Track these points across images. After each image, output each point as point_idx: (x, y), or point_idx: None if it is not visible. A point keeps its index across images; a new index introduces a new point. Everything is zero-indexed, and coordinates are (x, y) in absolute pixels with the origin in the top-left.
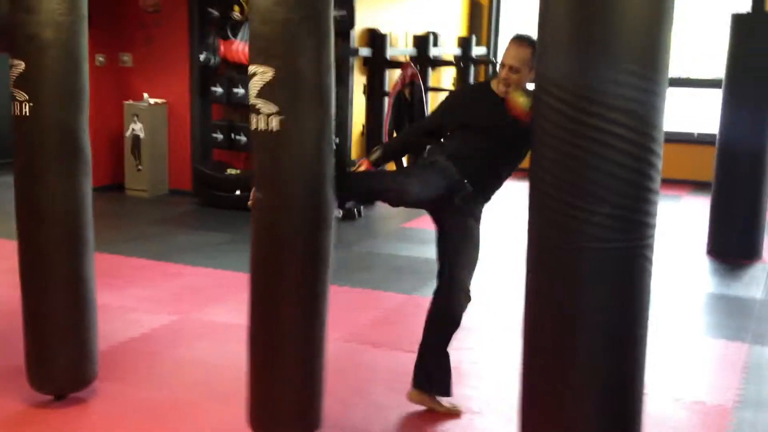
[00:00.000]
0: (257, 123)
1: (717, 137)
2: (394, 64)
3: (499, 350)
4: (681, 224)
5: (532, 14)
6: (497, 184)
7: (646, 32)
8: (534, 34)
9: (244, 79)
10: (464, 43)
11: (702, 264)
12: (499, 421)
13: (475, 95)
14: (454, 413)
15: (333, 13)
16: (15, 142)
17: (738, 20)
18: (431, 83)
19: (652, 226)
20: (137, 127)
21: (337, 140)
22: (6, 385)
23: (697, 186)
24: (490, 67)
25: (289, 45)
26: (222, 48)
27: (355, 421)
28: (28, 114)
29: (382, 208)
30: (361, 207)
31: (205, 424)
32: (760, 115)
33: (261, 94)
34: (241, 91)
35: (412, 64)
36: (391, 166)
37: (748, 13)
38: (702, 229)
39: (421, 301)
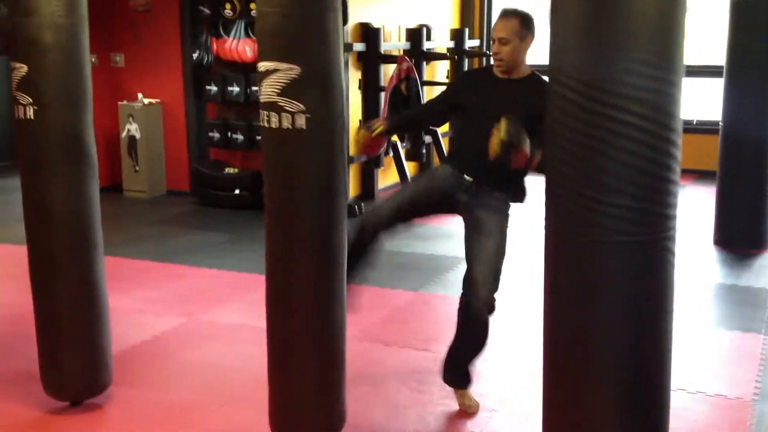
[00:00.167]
0: (280, 121)
1: (720, 126)
2: (389, 58)
3: (511, 347)
4: (686, 214)
5: (523, 4)
6: (505, 172)
7: (660, 20)
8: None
9: (239, 77)
10: (457, 36)
11: (710, 254)
12: (515, 418)
13: (480, 77)
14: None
15: None
16: (19, 145)
17: (738, 6)
18: (425, 77)
19: (672, 218)
20: (133, 128)
21: None
22: (20, 391)
23: (700, 175)
24: (484, 60)
25: (318, 40)
26: (215, 46)
27: (373, 421)
28: (32, 117)
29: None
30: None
31: (221, 427)
32: (763, 103)
33: (285, 92)
34: (235, 89)
35: (407, 59)
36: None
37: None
38: (708, 219)
39: (428, 297)
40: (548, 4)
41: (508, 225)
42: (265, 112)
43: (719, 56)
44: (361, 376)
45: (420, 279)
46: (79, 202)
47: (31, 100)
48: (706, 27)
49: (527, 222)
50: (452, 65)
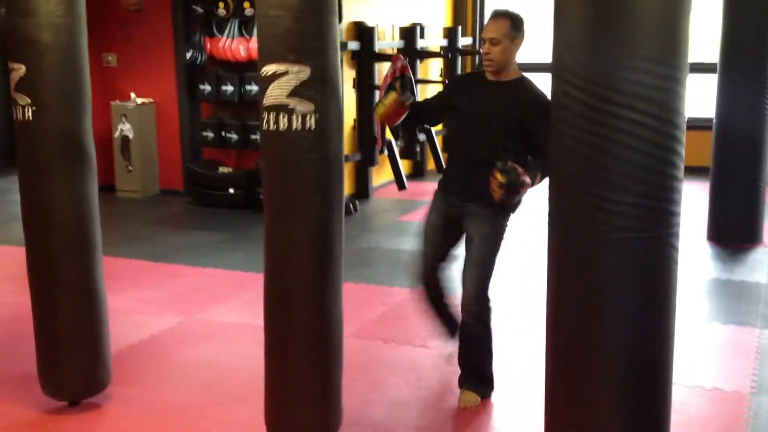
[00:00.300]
0: (289, 123)
1: (714, 122)
2: (383, 57)
3: (510, 346)
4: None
5: (516, 3)
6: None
7: (665, 18)
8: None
9: (233, 76)
10: (450, 34)
11: (703, 250)
12: (516, 415)
13: (471, 81)
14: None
15: None
16: (18, 146)
17: (731, 3)
18: (419, 75)
19: (676, 214)
20: (126, 128)
21: None
22: (17, 391)
23: (692, 171)
24: (477, 58)
25: (325, 41)
26: (208, 45)
27: (375, 417)
28: (30, 118)
29: (376, 201)
30: (357, 203)
31: (220, 426)
32: (757, 99)
33: (295, 92)
34: (229, 88)
35: (402, 57)
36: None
37: None
38: (701, 215)
39: None
40: (544, 3)
41: (503, 229)
42: (273, 114)
43: (712, 53)
44: (360, 373)
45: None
46: (78, 203)
47: (29, 101)
48: (699, 24)
49: (523, 223)
50: (445, 63)
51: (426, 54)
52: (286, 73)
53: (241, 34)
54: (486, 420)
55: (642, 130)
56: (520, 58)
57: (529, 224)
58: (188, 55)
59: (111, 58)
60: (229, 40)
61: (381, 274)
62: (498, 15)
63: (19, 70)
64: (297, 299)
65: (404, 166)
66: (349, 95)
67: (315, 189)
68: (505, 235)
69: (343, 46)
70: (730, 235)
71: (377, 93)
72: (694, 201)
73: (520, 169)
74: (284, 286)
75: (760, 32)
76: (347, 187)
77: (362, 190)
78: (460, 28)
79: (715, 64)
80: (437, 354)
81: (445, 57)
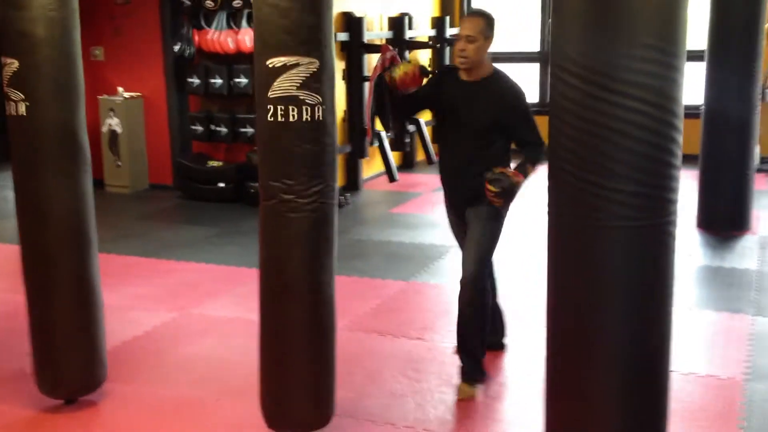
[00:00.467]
0: (300, 115)
1: (703, 109)
2: (372, 47)
3: (511, 338)
4: None
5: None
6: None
7: (663, 6)
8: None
9: (221, 68)
10: (438, 24)
11: (693, 237)
12: (514, 405)
13: (444, 80)
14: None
15: None
16: (11, 142)
17: None
18: None
19: (674, 202)
20: (114, 122)
21: None
22: (13, 389)
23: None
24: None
25: (328, 33)
26: (197, 38)
27: (371, 410)
28: (24, 113)
29: (367, 194)
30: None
31: (218, 421)
32: (745, 86)
33: (305, 85)
34: (218, 81)
35: (391, 47)
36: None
37: None
38: (690, 203)
39: (419, 287)
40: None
41: (501, 215)
42: (281, 107)
43: (700, 41)
44: (356, 366)
45: (411, 269)
46: (73, 199)
47: (23, 96)
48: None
49: (522, 212)
50: (434, 53)
51: (414, 44)
52: (296, 65)
53: (229, 26)
54: (484, 412)
55: (641, 117)
56: (506, 47)
57: (529, 213)
58: (176, 47)
59: (98, 52)
60: (217, 33)
61: (373, 267)
62: (474, 14)
63: (12, 64)
64: (295, 288)
65: (394, 157)
66: (338, 86)
67: (317, 177)
68: (505, 222)
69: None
70: (720, 223)
71: (366, 84)
72: (683, 188)
73: (510, 172)
74: (283, 278)
75: (748, 20)
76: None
77: (352, 182)
78: (448, 18)
79: (703, 52)
80: (450, 345)
81: (433, 47)
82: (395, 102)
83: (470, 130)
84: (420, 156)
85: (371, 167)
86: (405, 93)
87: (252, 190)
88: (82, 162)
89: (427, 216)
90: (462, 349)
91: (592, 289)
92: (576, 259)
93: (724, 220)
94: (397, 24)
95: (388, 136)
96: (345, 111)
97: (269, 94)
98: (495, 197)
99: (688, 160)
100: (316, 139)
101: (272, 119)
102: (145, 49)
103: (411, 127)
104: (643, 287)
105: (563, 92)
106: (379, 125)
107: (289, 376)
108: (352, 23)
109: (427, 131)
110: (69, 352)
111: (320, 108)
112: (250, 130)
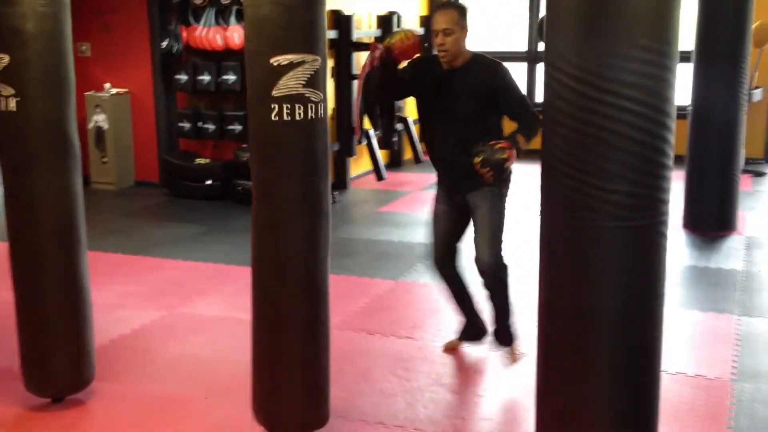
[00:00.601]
0: (305, 113)
1: (690, 111)
2: (361, 46)
3: None
4: None
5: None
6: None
7: (656, 6)
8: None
9: (209, 65)
10: (427, 23)
11: (679, 238)
12: (505, 403)
13: (427, 68)
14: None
15: None
16: (1, 138)
17: None
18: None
19: (666, 202)
20: (100, 119)
21: None
22: (0, 388)
23: None
24: None
25: (324, 31)
26: (185, 34)
27: (363, 409)
28: (14, 109)
29: (354, 192)
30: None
31: (206, 420)
32: (731, 87)
33: (310, 83)
34: (206, 77)
35: (379, 46)
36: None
37: None
38: (677, 203)
39: (409, 286)
40: None
41: (503, 195)
42: (287, 105)
43: (688, 42)
44: (347, 365)
45: (400, 267)
46: (63, 196)
47: (13, 91)
48: None
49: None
50: (423, 51)
51: None
52: (302, 63)
53: (217, 23)
54: (475, 407)
55: (635, 118)
56: (494, 46)
57: (522, 213)
58: (164, 44)
59: (84, 48)
60: (205, 29)
61: (362, 266)
62: (445, 6)
63: (3, 60)
64: (290, 272)
65: (382, 156)
66: (327, 85)
67: (317, 173)
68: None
69: None
70: (706, 223)
71: (355, 83)
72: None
73: (498, 145)
74: (282, 274)
75: (736, 21)
76: None
77: (340, 180)
78: None
79: (690, 53)
80: (440, 344)
81: (422, 45)
82: (385, 81)
83: (458, 114)
84: (408, 154)
85: (359, 165)
86: (400, 61)
87: (240, 188)
88: (72, 158)
89: (416, 214)
90: (500, 326)
91: (585, 289)
92: (569, 258)
93: (710, 221)
94: (386, 22)
95: (376, 134)
96: (333, 109)
97: (274, 92)
98: (485, 172)
99: (675, 160)
100: (320, 136)
101: (277, 118)
102: (133, 45)
103: (399, 126)
104: (636, 287)
105: (557, 92)
106: (367, 123)
107: (284, 374)
108: (341, 21)
109: (414, 129)
110: (57, 350)
111: (322, 105)
112: (237, 127)
